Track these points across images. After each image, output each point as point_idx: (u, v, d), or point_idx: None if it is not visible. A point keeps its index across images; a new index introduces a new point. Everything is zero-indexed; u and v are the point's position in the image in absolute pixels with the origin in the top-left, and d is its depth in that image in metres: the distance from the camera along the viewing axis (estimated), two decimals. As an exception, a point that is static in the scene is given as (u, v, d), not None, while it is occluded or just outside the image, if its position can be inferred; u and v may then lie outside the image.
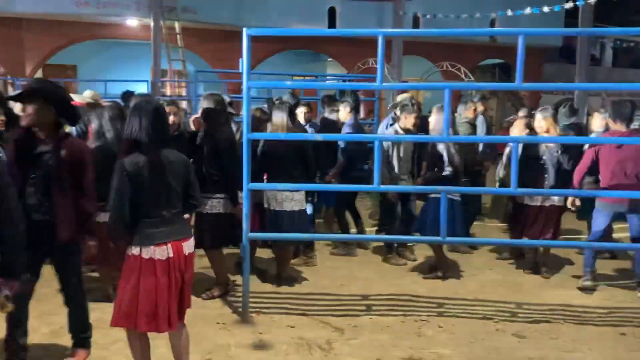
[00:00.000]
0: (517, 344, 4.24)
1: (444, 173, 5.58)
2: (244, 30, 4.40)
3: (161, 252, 3.13)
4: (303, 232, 5.37)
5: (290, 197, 5.29)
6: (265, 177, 5.50)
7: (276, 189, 5.31)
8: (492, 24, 17.86)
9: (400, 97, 7.17)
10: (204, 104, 5.03)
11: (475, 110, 6.72)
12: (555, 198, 5.71)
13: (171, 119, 5.32)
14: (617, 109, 5.51)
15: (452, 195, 5.47)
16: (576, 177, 5.49)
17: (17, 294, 2.77)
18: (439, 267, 5.80)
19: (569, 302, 5.14)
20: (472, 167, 6.50)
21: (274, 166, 5.33)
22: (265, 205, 5.37)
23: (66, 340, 3.76)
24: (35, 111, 3.35)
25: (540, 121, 5.81)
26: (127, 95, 7.44)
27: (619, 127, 5.43)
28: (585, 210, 6.13)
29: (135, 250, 3.14)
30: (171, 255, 3.16)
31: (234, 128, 5.51)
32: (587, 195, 5.58)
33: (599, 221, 5.46)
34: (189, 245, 3.28)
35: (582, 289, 5.43)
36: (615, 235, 6.74)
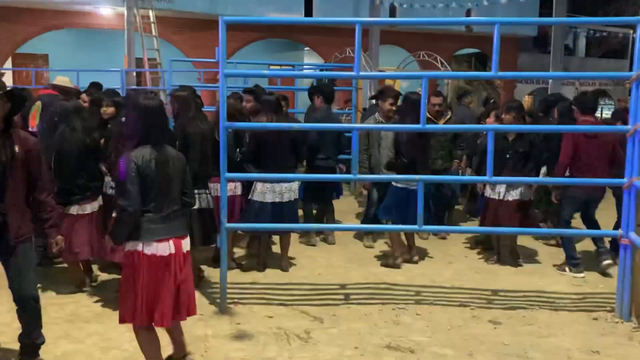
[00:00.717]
0: (493, 330, 4.30)
1: (392, 160, 5.67)
2: (220, 18, 4.35)
3: (163, 248, 3.14)
4: (297, 220, 5.71)
5: (289, 188, 5.39)
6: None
7: (254, 179, 5.33)
8: (467, 13, 17.96)
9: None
10: (172, 99, 5.03)
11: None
12: (517, 192, 5.69)
13: None
14: (583, 102, 5.70)
15: (408, 185, 5.52)
16: (561, 169, 5.53)
17: None
18: (394, 254, 5.85)
19: (543, 288, 5.22)
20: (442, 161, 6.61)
21: (267, 157, 5.36)
22: (258, 199, 5.35)
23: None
24: None
25: (505, 115, 5.94)
26: (95, 87, 7.04)
27: (587, 118, 5.60)
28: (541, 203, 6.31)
29: (138, 246, 3.11)
30: (173, 251, 3.16)
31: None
32: (560, 184, 5.65)
33: (570, 210, 5.63)
34: (186, 243, 3.29)
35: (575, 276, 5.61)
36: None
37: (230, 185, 5.28)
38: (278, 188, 5.35)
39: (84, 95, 6.24)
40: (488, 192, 5.86)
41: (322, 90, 6.62)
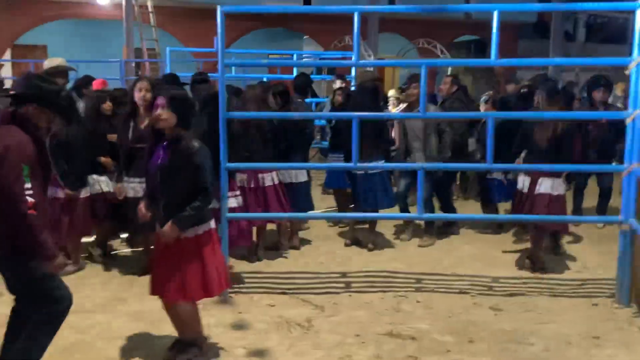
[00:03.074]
0: (494, 317, 4.32)
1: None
2: (219, 8, 4.33)
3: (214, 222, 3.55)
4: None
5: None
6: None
7: (254, 168, 5.35)
8: (466, 0, 17.88)
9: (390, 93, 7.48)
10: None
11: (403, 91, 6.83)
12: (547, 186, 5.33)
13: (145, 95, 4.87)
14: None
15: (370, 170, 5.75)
16: None
17: None
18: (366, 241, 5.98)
19: (543, 275, 5.24)
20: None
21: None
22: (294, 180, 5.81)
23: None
24: None
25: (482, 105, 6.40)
26: (87, 80, 6.79)
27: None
28: None
29: (211, 225, 3.45)
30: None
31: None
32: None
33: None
34: None
35: None
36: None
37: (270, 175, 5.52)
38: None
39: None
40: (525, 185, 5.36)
41: (294, 81, 6.75)
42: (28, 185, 2.78)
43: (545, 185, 5.19)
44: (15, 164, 2.76)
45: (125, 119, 4.91)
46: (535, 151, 5.28)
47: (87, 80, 6.61)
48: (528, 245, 5.75)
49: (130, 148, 4.81)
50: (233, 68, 9.69)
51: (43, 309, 3.06)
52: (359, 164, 4.71)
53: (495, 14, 4.28)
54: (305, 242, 6.21)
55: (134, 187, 4.88)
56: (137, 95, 4.84)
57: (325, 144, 7.57)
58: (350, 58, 5.16)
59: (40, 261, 2.89)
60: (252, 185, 5.40)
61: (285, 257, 5.71)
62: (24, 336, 3.04)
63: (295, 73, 9.90)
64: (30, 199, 2.77)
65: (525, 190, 5.31)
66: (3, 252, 2.88)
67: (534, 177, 5.24)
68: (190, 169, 3.28)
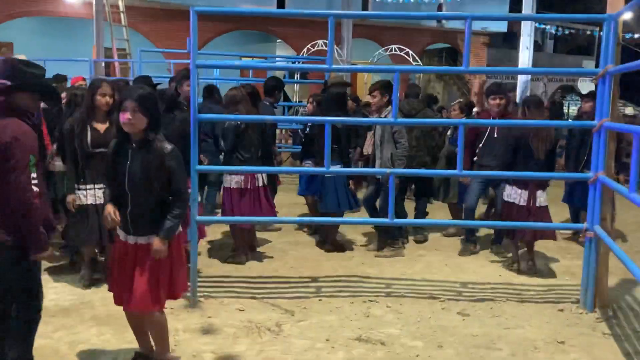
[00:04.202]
0: (462, 322, 4.36)
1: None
2: (191, 8, 4.29)
3: None
4: None
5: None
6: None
7: (223, 171, 5.31)
8: (439, 8, 18.12)
9: None
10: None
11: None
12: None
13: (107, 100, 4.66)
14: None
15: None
16: None
17: None
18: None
19: (510, 281, 5.32)
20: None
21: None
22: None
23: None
24: None
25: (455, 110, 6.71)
26: (59, 79, 6.61)
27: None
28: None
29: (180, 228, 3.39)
30: None
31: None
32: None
33: None
34: None
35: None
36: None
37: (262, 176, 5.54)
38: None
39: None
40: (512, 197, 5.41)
41: (265, 84, 6.72)
42: (33, 175, 2.82)
43: (542, 198, 5.34)
44: (24, 154, 2.79)
45: (83, 122, 4.64)
46: (535, 163, 5.26)
47: (59, 79, 6.51)
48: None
49: (89, 153, 4.61)
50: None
51: (23, 304, 3.08)
52: (331, 169, 4.71)
53: (467, 23, 4.34)
54: (275, 246, 6.19)
55: (93, 193, 4.68)
56: (102, 100, 4.62)
57: (297, 148, 7.58)
58: (323, 62, 5.18)
59: (34, 252, 2.91)
60: (250, 187, 5.41)
61: (255, 261, 5.67)
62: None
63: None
64: (35, 189, 2.82)
65: (523, 203, 5.32)
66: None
67: (532, 190, 5.29)
68: (164, 172, 3.16)
